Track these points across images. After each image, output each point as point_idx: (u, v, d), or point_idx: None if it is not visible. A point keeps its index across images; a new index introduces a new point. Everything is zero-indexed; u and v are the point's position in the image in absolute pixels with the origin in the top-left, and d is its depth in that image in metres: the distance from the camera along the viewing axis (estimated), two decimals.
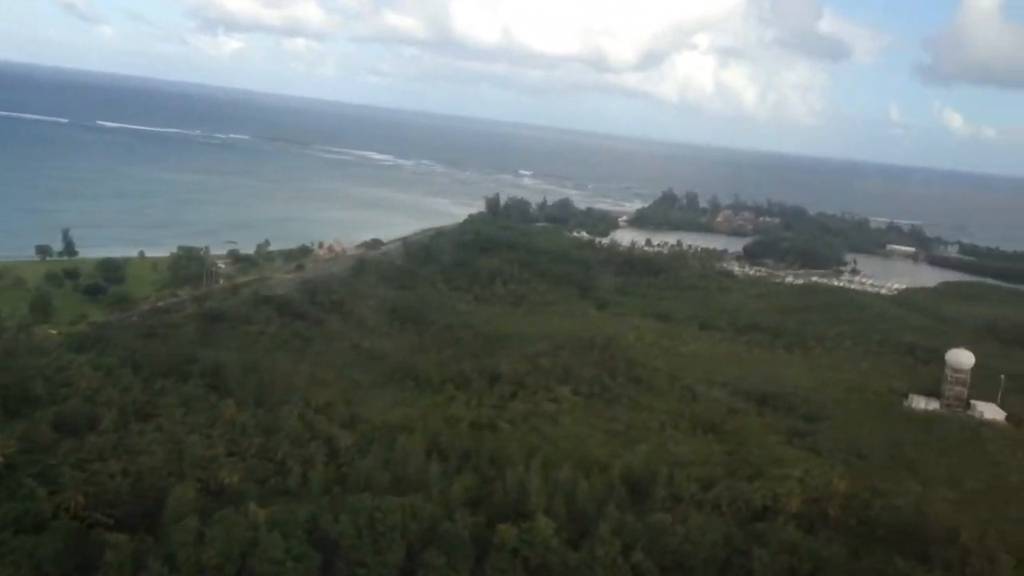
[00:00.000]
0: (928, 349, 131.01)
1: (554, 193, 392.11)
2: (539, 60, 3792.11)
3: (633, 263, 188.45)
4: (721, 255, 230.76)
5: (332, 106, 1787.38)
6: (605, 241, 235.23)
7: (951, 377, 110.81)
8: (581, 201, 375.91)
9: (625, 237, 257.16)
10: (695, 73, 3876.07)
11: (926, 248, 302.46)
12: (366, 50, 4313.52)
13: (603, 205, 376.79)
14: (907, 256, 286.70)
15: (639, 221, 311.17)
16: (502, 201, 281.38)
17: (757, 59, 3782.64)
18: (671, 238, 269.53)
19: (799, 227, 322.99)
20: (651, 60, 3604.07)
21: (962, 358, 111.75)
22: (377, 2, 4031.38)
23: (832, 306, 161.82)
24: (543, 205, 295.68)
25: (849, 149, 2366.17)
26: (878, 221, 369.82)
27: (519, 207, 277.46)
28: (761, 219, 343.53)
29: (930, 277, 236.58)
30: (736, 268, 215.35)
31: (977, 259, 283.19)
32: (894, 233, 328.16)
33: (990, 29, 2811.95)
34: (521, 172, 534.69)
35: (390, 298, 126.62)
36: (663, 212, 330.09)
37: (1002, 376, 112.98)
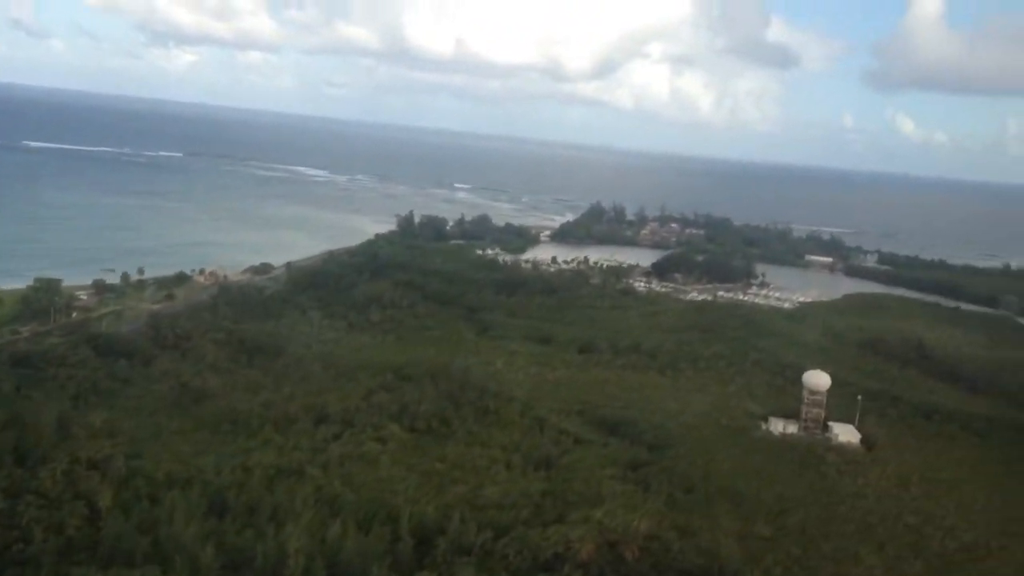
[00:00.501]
0: (803, 368, 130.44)
1: (485, 207, 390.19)
2: (495, 70, 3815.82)
3: (529, 283, 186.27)
4: (629, 271, 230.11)
5: (287, 118, 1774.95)
6: (517, 259, 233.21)
7: (808, 399, 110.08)
8: (513, 215, 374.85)
9: (545, 253, 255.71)
10: (649, 81, 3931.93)
11: (844, 258, 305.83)
12: (321, 62, 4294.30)
13: (532, 219, 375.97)
14: (824, 267, 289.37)
15: (561, 236, 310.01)
16: (418, 218, 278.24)
17: (709, 67, 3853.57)
18: (594, 253, 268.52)
19: (722, 238, 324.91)
20: (606, 69, 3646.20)
21: (818, 380, 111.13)
22: (329, 14, 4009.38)
23: (720, 324, 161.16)
24: (461, 221, 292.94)
25: (804, 155, 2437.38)
26: (802, 230, 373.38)
27: (433, 224, 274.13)
28: (687, 231, 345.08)
29: (842, 288, 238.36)
30: (642, 285, 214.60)
31: (893, 269, 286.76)
32: (813, 243, 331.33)
33: (936, 36, 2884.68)
34: (457, 186, 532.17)
35: (243, 330, 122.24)
36: (587, 226, 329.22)
37: (859, 397, 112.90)
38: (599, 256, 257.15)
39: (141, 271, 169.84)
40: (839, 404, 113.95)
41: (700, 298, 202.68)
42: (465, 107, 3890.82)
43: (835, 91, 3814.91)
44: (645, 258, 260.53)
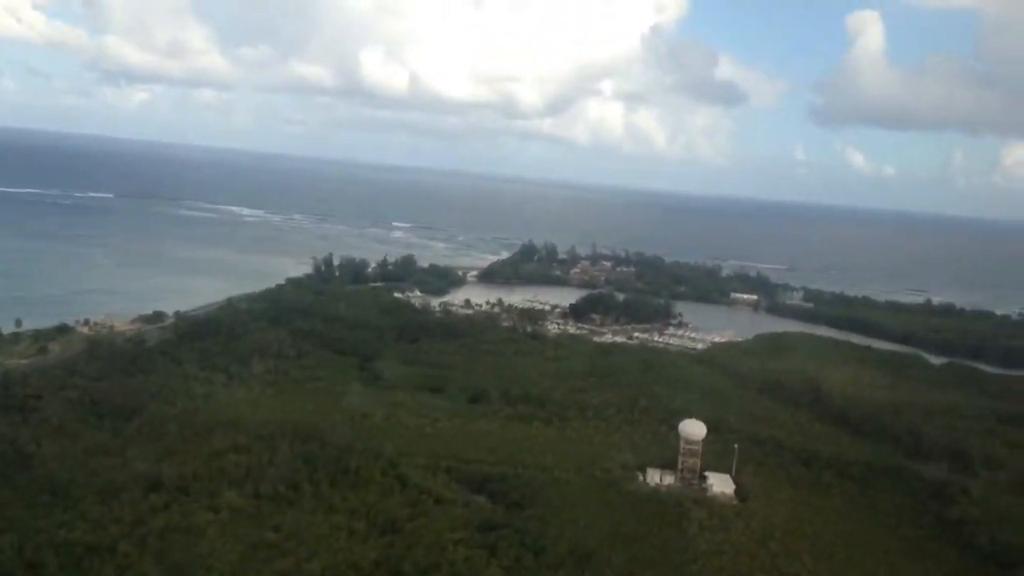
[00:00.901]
0: (691, 414, 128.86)
1: (419, 247, 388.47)
2: (451, 107, 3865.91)
3: (434, 328, 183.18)
4: (545, 313, 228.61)
5: (242, 156, 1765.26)
6: (430, 302, 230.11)
7: (684, 448, 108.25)
8: (444, 255, 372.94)
9: (470, 294, 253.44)
10: (604, 117, 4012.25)
11: (770, 295, 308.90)
12: (276, 99, 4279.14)
13: (466, 259, 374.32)
14: (748, 305, 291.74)
15: (489, 276, 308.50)
16: (337, 259, 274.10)
17: (660, 104, 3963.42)
18: (519, 294, 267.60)
19: (652, 276, 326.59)
20: (559, 106, 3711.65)
21: (694, 428, 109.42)
22: (284, 52, 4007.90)
23: (620, 368, 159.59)
24: (383, 263, 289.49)
25: (757, 188, 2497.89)
26: (734, 265, 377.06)
27: (351, 267, 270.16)
28: (619, 269, 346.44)
29: (761, 327, 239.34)
30: (557, 327, 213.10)
31: (815, 307, 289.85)
32: (739, 281, 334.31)
33: (877, 72, 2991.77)
34: (396, 224, 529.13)
35: (98, 388, 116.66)
36: (516, 266, 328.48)
37: (736, 445, 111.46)
38: (522, 297, 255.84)
39: (19, 322, 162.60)
40: (723, 452, 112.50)
41: (612, 340, 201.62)
42: (424, 143, 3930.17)
43: (783, 126, 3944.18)
44: (570, 298, 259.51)
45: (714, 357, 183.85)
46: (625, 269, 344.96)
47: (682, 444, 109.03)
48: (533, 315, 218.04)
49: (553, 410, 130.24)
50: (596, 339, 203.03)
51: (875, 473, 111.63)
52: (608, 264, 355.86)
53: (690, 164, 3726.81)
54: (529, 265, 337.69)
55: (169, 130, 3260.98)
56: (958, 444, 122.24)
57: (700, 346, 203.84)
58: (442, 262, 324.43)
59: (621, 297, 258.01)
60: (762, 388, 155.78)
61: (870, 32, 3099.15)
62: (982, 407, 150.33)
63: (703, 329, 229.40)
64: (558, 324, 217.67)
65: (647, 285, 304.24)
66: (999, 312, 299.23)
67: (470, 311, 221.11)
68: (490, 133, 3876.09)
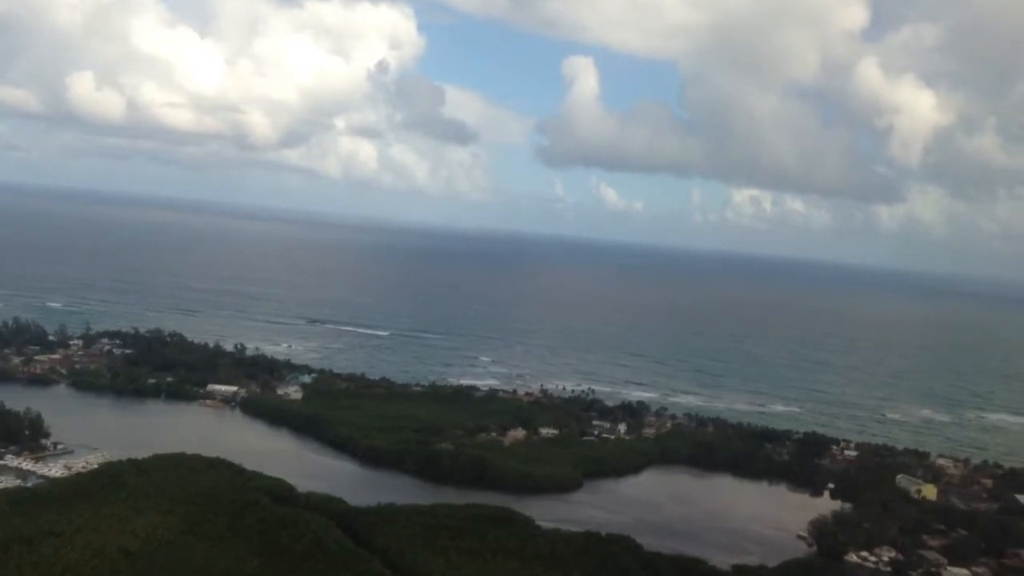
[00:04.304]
0: None
1: None
2: (178, 136, 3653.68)
3: None
4: None
5: None
6: None
7: None
8: None
9: None
10: (345, 151, 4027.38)
11: (270, 382, 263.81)
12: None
13: None
14: (222, 401, 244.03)
15: None
16: None
17: (396, 139, 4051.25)
18: None
19: (150, 359, 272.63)
20: (294, 139, 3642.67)
21: None
22: None
23: None
24: None
25: (518, 222, 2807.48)
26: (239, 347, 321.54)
27: None
28: (124, 352, 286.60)
29: (190, 438, 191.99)
30: None
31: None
32: (239, 366, 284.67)
33: (592, 116, 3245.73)
34: None
35: None
36: None
37: None
38: None
39: None
40: None
41: None
42: (169, 172, 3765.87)
43: (516, 163, 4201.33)
44: None
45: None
46: (127, 352, 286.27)
47: None
48: None
49: None
50: None
51: None
52: (107, 346, 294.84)
53: (451, 199, 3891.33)
54: None
55: None
56: None
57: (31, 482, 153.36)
58: None
59: None
60: None
61: (584, 77, 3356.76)
62: None
63: (74, 454, 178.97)
64: None
65: (124, 376, 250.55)
66: None
67: None
68: (238, 163, 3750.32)
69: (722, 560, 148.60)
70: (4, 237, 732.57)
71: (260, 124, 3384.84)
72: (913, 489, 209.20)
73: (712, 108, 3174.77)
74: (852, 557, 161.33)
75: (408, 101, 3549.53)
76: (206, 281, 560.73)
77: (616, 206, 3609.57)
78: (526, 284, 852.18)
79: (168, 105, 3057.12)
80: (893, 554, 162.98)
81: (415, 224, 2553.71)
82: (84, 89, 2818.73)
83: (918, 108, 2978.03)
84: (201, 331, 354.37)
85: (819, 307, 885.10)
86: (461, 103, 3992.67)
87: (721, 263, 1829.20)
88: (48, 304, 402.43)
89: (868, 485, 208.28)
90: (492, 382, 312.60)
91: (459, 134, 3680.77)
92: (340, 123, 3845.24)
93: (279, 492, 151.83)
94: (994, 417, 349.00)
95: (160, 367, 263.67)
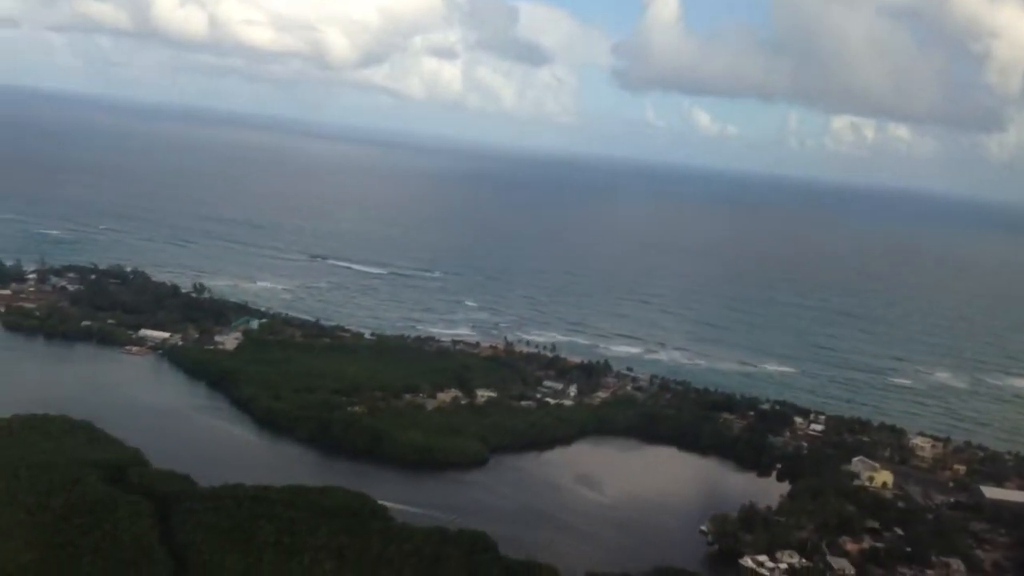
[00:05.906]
0: None
1: None
2: (258, 54, 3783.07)
3: None
4: None
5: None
6: None
7: None
8: None
9: None
10: (426, 72, 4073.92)
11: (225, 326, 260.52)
12: (83, 40, 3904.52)
13: None
14: (151, 348, 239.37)
15: None
16: None
17: (472, 60, 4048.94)
18: None
19: (94, 299, 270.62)
20: (372, 59, 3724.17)
21: None
22: None
23: None
24: None
25: (607, 146, 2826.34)
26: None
27: None
28: (76, 288, 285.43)
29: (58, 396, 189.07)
30: None
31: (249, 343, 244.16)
32: (179, 304, 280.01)
33: (673, 38, 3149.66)
34: None
35: None
36: None
37: None
38: None
39: None
40: None
41: None
42: (258, 89, 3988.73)
43: (596, 86, 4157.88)
44: None
45: None
46: (81, 289, 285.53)
47: None
48: None
49: None
50: None
51: None
52: (60, 283, 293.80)
53: (537, 122, 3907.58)
54: None
55: None
56: None
57: None
58: None
59: None
60: None
61: None
62: None
63: None
64: None
65: (60, 316, 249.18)
66: None
67: None
68: (324, 82, 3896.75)
69: (599, 561, 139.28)
70: (57, 158, 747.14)
71: (338, 43, 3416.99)
72: (866, 475, 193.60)
73: (801, 29, 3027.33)
74: (747, 561, 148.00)
75: (482, 21, 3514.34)
76: (231, 210, 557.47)
77: (709, 131, 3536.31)
78: (580, 217, 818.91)
79: (246, 22, 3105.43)
80: (795, 560, 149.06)
81: (499, 148, 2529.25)
82: (167, 5, 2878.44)
83: (1019, 32, 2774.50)
84: (178, 265, 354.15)
85: (885, 247, 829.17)
86: (537, 20, 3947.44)
87: (814, 193, 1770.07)
88: (43, 231, 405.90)
89: (815, 469, 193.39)
90: (462, 331, 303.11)
91: (534, 55, 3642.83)
92: (417, 43, 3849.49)
93: (123, 465, 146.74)
94: (1020, 383, 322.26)
95: (102, 307, 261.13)
